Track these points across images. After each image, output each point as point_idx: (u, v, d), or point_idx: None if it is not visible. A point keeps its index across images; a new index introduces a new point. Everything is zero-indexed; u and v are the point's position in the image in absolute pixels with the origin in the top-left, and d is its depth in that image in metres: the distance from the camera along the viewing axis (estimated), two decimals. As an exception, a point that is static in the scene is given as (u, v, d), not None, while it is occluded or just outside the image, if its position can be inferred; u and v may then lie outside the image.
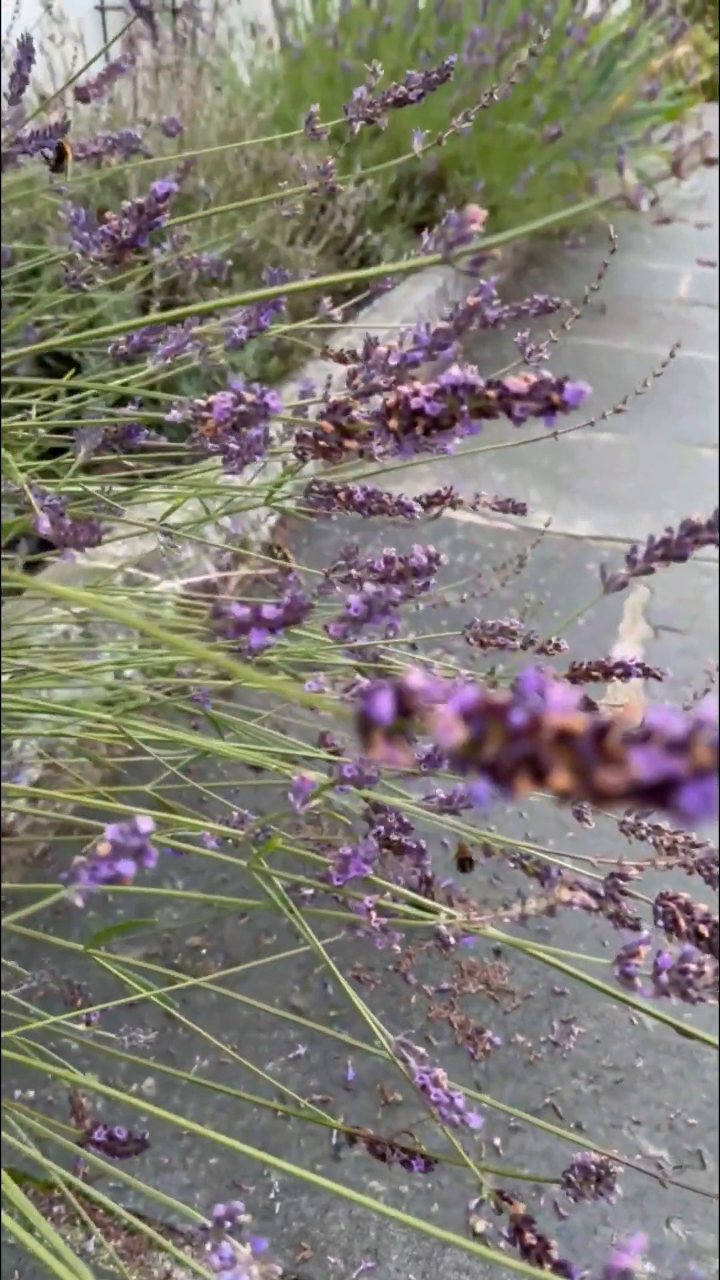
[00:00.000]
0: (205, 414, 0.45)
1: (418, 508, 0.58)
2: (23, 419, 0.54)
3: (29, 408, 0.53)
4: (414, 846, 0.59)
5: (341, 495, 0.60)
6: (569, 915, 1.07)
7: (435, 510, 0.74)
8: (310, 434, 0.52)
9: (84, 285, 0.49)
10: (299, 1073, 0.89)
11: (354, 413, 0.46)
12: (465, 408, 0.41)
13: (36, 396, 0.59)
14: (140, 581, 1.25)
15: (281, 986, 0.97)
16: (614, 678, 0.78)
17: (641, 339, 3.04)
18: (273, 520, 1.79)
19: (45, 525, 0.44)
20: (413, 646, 0.79)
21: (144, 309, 1.63)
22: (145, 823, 0.31)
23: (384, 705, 0.22)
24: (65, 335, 1.26)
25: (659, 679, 0.78)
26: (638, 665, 0.77)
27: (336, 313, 0.99)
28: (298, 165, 1.80)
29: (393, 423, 0.43)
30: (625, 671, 0.77)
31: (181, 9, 2.90)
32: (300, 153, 1.87)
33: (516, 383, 0.38)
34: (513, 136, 2.74)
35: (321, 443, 0.50)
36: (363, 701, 0.23)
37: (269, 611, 0.39)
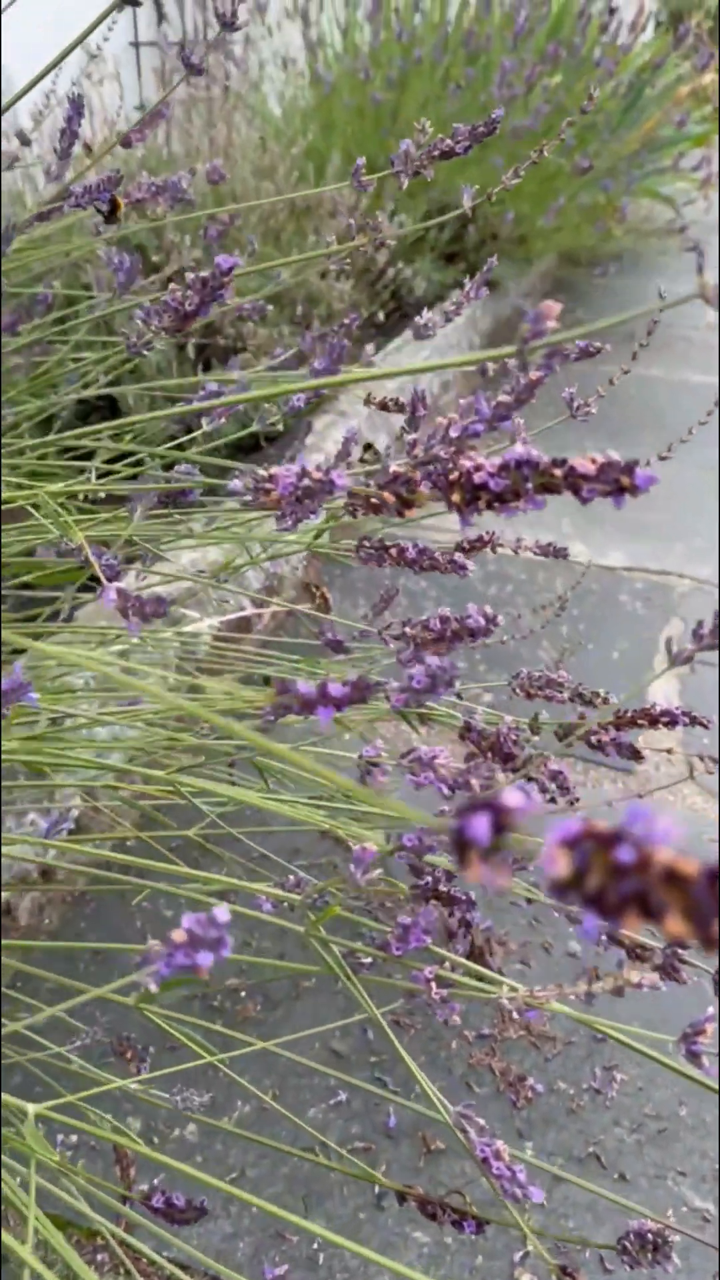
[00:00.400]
0: (268, 485, 0.46)
1: (470, 565, 0.58)
2: (84, 480, 0.55)
3: (86, 470, 0.54)
4: (463, 898, 0.59)
5: (393, 552, 0.60)
6: (611, 960, 1.07)
7: (475, 553, 0.75)
8: (365, 496, 0.52)
9: (144, 351, 0.50)
10: (340, 1119, 0.89)
11: (415, 481, 0.46)
12: (530, 485, 0.41)
13: (91, 458, 0.60)
14: (179, 619, 1.26)
15: (321, 1027, 0.97)
16: (660, 726, 0.78)
17: (671, 365, 3.04)
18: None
19: (111, 597, 0.45)
20: (458, 695, 0.79)
21: (181, 348, 1.64)
22: (222, 913, 0.31)
23: (481, 827, 0.22)
24: (106, 381, 1.28)
25: (705, 726, 0.78)
26: (684, 714, 0.76)
27: (376, 357, 1.00)
28: (332, 201, 1.81)
29: (455, 496, 0.43)
30: (671, 720, 0.77)
31: (214, 43, 2.94)
32: (335, 190, 1.89)
33: (584, 464, 0.38)
34: (542, 166, 2.75)
35: (374, 501, 0.51)
36: (458, 822, 0.23)
37: (335, 690, 0.39)
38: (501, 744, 0.75)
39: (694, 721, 0.78)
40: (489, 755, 0.76)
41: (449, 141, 0.67)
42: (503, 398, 0.44)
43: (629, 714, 0.78)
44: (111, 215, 0.64)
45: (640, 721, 0.78)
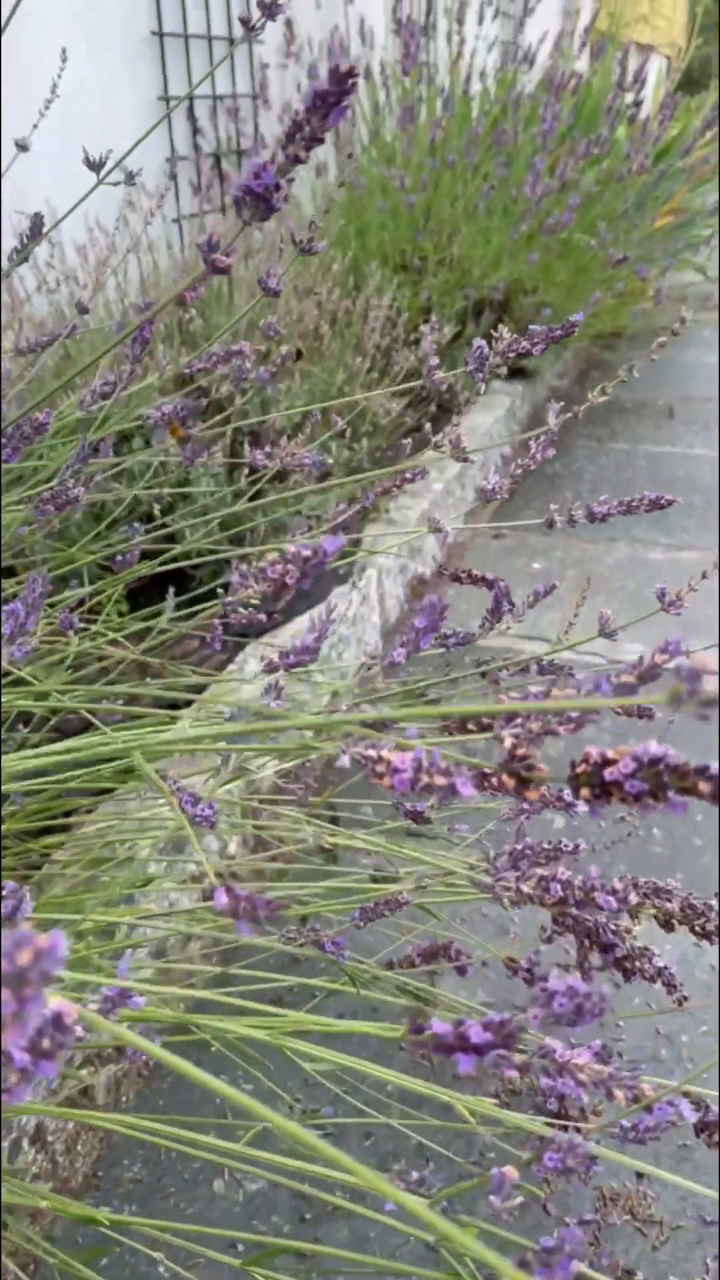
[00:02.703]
0: (380, 768, 0.44)
1: (582, 806, 0.55)
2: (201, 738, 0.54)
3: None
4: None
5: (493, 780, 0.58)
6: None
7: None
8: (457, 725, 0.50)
9: (241, 608, 0.49)
10: (442, 1325, 0.84)
11: (535, 760, 0.44)
12: (670, 789, 0.38)
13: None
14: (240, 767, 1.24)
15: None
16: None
17: (715, 442, 3.02)
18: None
19: (222, 900, 0.43)
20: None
21: (231, 471, 1.65)
22: None
23: None
24: (160, 508, 1.27)
25: None
26: None
27: (425, 467, 0.99)
28: (375, 318, 1.83)
29: (584, 791, 0.41)
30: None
31: (248, 150, 3.01)
32: (375, 298, 1.91)
33: (737, 787, 0.36)
34: (575, 256, 2.77)
35: (494, 780, 0.49)
36: None
37: (475, 1034, 0.36)
38: (600, 933, 0.72)
39: None
40: (587, 942, 0.73)
41: (525, 343, 0.66)
42: (626, 678, 0.42)
43: (733, 901, 0.75)
44: (181, 438, 0.64)
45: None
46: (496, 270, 2.67)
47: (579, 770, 0.41)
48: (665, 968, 0.75)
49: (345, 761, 0.46)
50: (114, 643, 1.06)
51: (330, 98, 0.41)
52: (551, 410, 0.67)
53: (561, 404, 0.77)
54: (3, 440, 0.56)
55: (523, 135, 2.82)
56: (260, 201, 0.45)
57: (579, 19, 3.64)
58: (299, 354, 1.33)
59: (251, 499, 1.67)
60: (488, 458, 2.65)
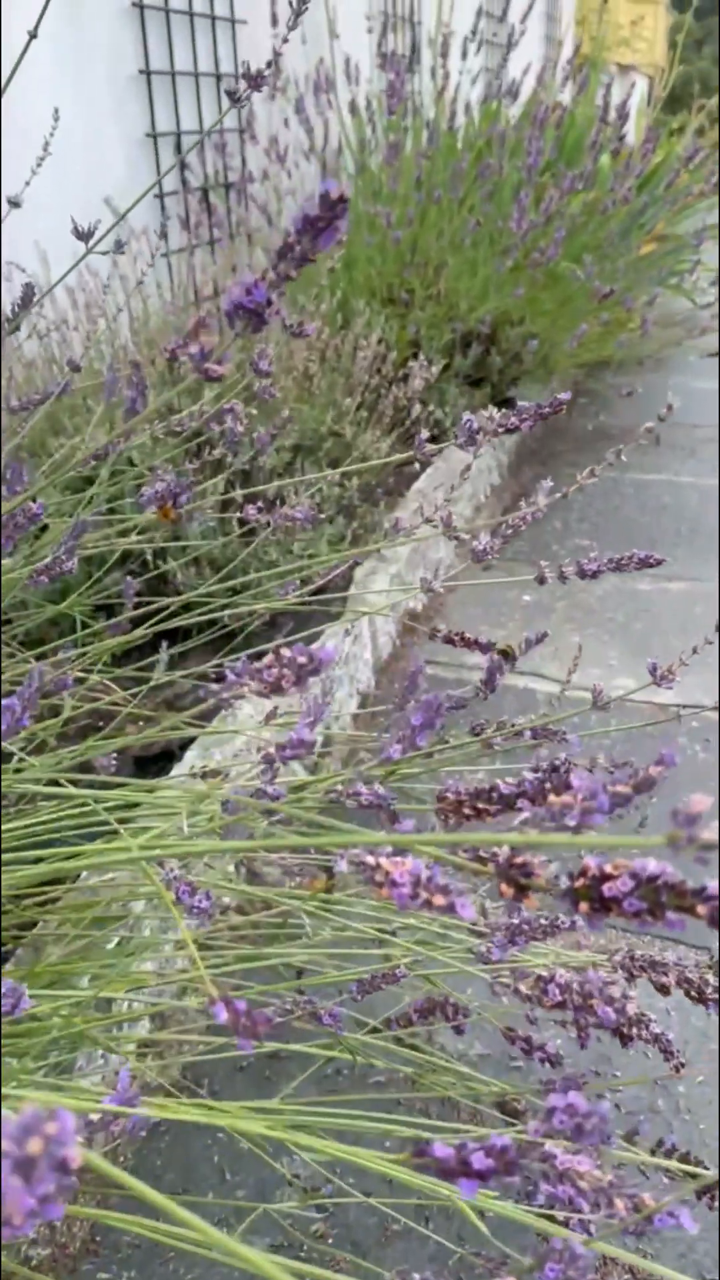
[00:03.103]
0: (379, 877, 0.44)
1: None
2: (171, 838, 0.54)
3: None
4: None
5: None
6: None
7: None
8: (453, 804, 0.51)
9: (231, 702, 0.49)
10: None
11: (534, 866, 0.44)
12: (666, 907, 0.39)
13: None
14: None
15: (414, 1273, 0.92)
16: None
17: (701, 469, 3.04)
18: (354, 704, 1.78)
19: (223, 1015, 0.43)
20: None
21: (224, 506, 1.66)
22: None
23: None
24: (152, 552, 1.27)
25: None
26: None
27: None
28: (363, 356, 1.84)
29: (583, 906, 0.41)
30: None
31: (235, 184, 3.03)
32: (364, 332, 1.92)
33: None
34: (561, 287, 2.79)
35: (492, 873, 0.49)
36: None
37: (478, 1161, 0.36)
38: (591, 1004, 0.72)
39: None
40: (578, 1011, 0.73)
41: (514, 419, 0.67)
42: (620, 788, 0.43)
43: (728, 967, 0.75)
44: (164, 518, 0.65)
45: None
46: (483, 303, 2.68)
47: (577, 885, 0.42)
48: (662, 1034, 0.75)
49: (343, 866, 0.46)
50: (107, 689, 1.07)
51: (320, 222, 0.42)
52: (543, 490, 0.68)
53: (538, 457, 0.77)
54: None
55: (508, 166, 2.84)
56: (253, 315, 0.45)
57: (561, 50, 3.68)
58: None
59: (243, 535, 1.67)
60: (476, 487, 2.67)
